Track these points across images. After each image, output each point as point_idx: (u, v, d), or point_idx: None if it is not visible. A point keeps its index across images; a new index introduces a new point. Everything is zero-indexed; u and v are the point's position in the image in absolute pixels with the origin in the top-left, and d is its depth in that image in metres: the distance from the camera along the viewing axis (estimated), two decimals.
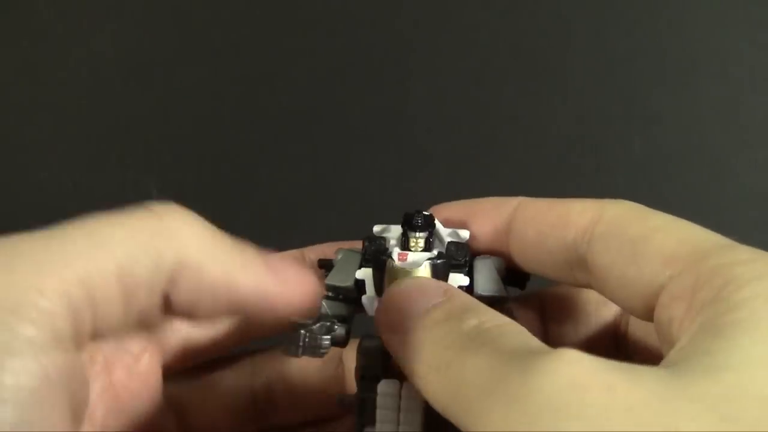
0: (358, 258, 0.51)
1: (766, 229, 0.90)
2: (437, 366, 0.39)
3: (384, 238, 0.51)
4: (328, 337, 0.48)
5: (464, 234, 0.51)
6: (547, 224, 0.50)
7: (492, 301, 0.47)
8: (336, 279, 0.51)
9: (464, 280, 0.49)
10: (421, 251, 0.49)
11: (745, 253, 0.43)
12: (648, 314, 0.44)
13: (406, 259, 0.49)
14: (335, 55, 0.90)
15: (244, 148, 0.92)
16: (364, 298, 0.50)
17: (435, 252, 0.50)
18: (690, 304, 0.41)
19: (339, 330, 0.49)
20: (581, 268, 0.48)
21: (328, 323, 0.49)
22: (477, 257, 0.51)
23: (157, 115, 0.92)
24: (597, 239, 0.47)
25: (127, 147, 0.92)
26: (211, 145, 0.92)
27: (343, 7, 0.91)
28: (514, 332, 0.40)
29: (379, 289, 0.49)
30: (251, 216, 0.90)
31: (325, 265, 0.52)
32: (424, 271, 0.48)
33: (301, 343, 0.47)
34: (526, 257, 0.50)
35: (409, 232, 0.50)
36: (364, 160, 0.88)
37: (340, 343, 0.49)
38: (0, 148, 0.93)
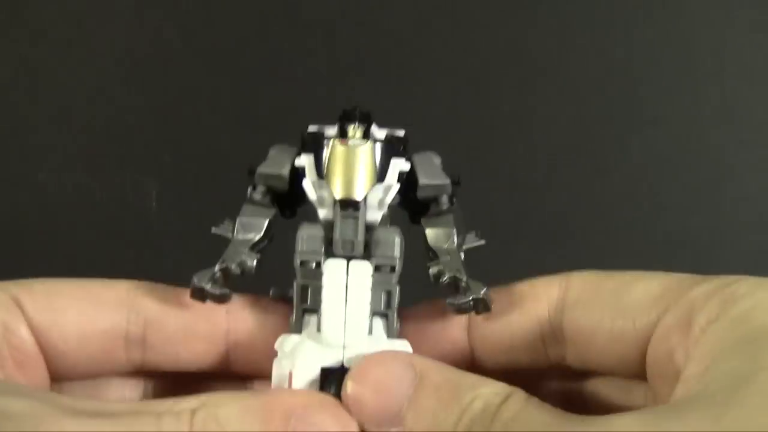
0: (294, 150, 0.50)
1: (767, 229, 0.91)
2: None
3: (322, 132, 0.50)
4: (226, 291, 0.48)
5: (400, 132, 0.50)
6: (511, 310, 0.49)
7: (437, 190, 0.49)
8: (269, 167, 0.50)
9: (405, 166, 0.49)
10: (359, 140, 0.49)
11: (731, 276, 0.43)
12: (642, 364, 0.44)
13: (347, 143, 0.48)
14: (336, 56, 0.90)
15: (244, 149, 0.91)
16: (305, 181, 0.49)
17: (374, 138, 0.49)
18: (689, 331, 0.41)
19: (249, 262, 0.49)
20: (555, 342, 0.47)
21: (237, 261, 0.48)
22: (414, 154, 0.51)
23: (157, 116, 0.92)
24: (572, 305, 0.47)
25: (127, 148, 0.92)
26: (211, 145, 0.92)
27: (343, 8, 0.91)
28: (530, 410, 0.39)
29: (319, 172, 0.48)
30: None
31: (255, 171, 0.51)
32: (367, 149, 0.48)
33: (203, 291, 0.48)
34: (491, 345, 0.49)
35: (347, 124, 0.49)
36: None
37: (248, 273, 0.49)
38: (0, 148, 0.92)
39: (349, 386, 0.43)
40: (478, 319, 0.49)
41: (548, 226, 0.90)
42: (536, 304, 0.48)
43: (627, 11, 0.91)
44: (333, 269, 0.47)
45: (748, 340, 0.38)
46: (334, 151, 0.48)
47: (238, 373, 0.52)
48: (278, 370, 0.47)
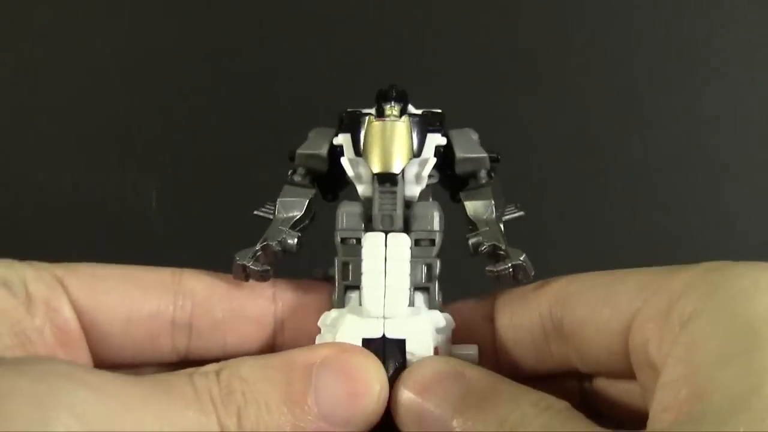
0: (332, 131, 0.51)
1: (766, 229, 0.90)
2: None
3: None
4: (267, 268, 0.48)
5: (437, 111, 0.51)
6: (522, 303, 0.49)
7: (475, 164, 0.50)
8: (308, 147, 0.51)
9: (441, 140, 0.50)
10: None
11: (714, 262, 0.41)
12: (627, 354, 0.44)
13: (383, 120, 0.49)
14: (336, 56, 0.90)
15: (244, 149, 0.92)
16: (343, 159, 0.49)
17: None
18: (666, 321, 0.40)
19: (289, 240, 0.49)
20: (558, 338, 0.47)
21: (278, 239, 0.49)
22: (451, 130, 0.51)
23: (157, 116, 0.92)
24: (570, 297, 0.47)
25: (127, 148, 0.92)
26: (211, 145, 0.92)
27: (343, 8, 0.90)
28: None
29: (357, 149, 0.49)
30: (251, 216, 0.89)
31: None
32: (403, 123, 0.48)
33: (245, 269, 0.48)
34: (507, 345, 0.50)
35: (383, 103, 0.49)
36: None
37: (290, 252, 0.49)
38: (0, 148, 0.92)
39: (405, 395, 0.43)
40: (497, 314, 0.50)
41: (547, 226, 0.90)
42: (543, 298, 0.48)
43: (628, 11, 0.91)
44: (372, 242, 0.47)
45: (739, 337, 0.36)
46: (370, 127, 0.48)
47: None
48: (321, 341, 0.47)
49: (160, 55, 0.92)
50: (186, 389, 0.40)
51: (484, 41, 0.90)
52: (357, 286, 0.48)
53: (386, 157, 0.48)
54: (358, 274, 0.47)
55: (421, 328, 0.46)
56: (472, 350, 0.48)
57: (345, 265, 0.49)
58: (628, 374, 0.44)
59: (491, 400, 0.40)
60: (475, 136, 0.52)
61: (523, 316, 0.49)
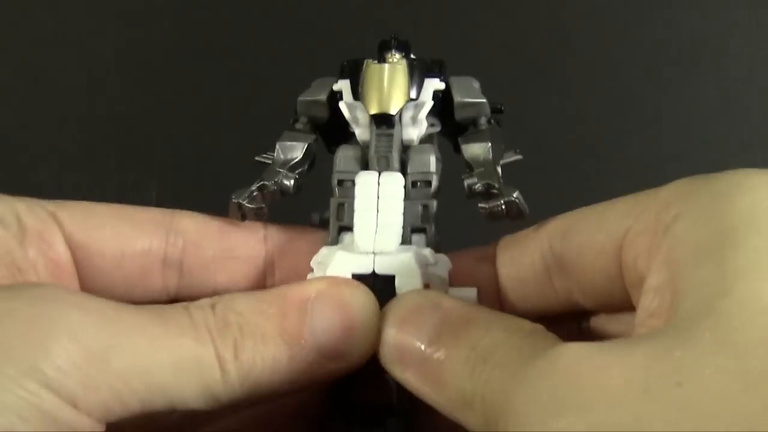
0: (333, 79, 0.51)
1: None
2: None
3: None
4: (262, 206, 0.49)
5: (438, 60, 0.51)
6: (522, 241, 0.49)
7: (474, 110, 0.50)
8: (308, 94, 0.51)
9: (440, 85, 0.50)
10: None
11: (713, 174, 0.41)
12: (622, 277, 0.43)
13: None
14: (336, 56, 0.90)
15: (245, 149, 0.91)
16: (341, 103, 0.50)
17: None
18: (655, 233, 0.39)
19: (286, 181, 0.49)
20: (559, 271, 0.47)
21: (275, 179, 0.49)
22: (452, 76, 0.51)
23: (157, 116, 0.92)
24: (569, 229, 0.47)
25: (127, 148, 0.92)
26: (211, 145, 0.92)
27: (343, 7, 0.91)
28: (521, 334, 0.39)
29: (356, 92, 0.49)
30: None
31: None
32: (400, 65, 0.48)
33: (240, 207, 0.49)
34: (510, 285, 0.49)
35: (385, 53, 0.50)
36: None
37: (287, 192, 0.49)
38: (0, 148, 0.92)
39: (385, 331, 0.43)
40: (499, 256, 0.50)
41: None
42: (541, 235, 0.48)
43: (628, 11, 0.91)
44: (365, 180, 0.48)
45: (716, 235, 0.35)
46: (368, 69, 0.49)
47: None
48: (312, 277, 0.47)
49: (160, 54, 0.92)
50: (183, 319, 0.40)
51: (483, 40, 0.91)
52: (351, 228, 0.48)
53: (382, 98, 0.48)
54: (352, 214, 0.48)
55: (410, 264, 0.46)
56: (471, 293, 0.48)
57: (340, 206, 0.49)
58: (627, 304, 0.44)
59: (465, 327, 0.40)
60: (476, 84, 0.52)
61: (524, 254, 0.48)
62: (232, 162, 0.93)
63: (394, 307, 0.44)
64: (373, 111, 0.48)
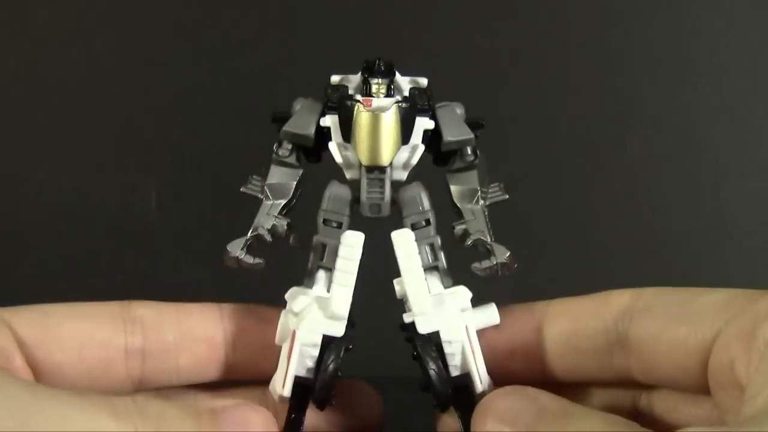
0: (318, 107, 0.51)
1: (766, 229, 0.90)
2: None
3: (345, 86, 0.50)
4: (260, 262, 0.49)
5: (423, 81, 0.51)
6: (583, 312, 0.50)
7: (461, 144, 0.50)
8: (294, 126, 0.51)
9: (430, 124, 0.50)
10: (384, 98, 0.49)
11: None
12: (704, 375, 0.44)
13: (371, 104, 0.49)
14: (335, 55, 0.90)
15: (245, 149, 0.90)
16: (330, 144, 0.50)
17: (398, 97, 0.50)
18: (752, 342, 0.40)
19: (279, 228, 0.50)
20: (621, 350, 0.48)
21: (268, 227, 0.50)
22: (437, 105, 0.51)
23: (157, 116, 0.92)
24: (639, 313, 0.48)
25: (127, 148, 0.92)
26: (210, 144, 0.91)
27: (342, 7, 0.90)
28: None
29: (346, 135, 0.49)
30: (251, 216, 0.88)
31: (279, 118, 0.51)
32: (392, 114, 0.49)
33: (235, 258, 0.49)
34: (561, 351, 0.50)
35: (370, 79, 0.50)
36: None
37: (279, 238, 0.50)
38: (0, 148, 0.92)
39: (488, 425, 0.44)
40: (550, 320, 0.51)
41: (547, 226, 0.90)
42: (606, 310, 0.49)
43: (628, 11, 0.90)
44: (350, 242, 0.49)
45: None
46: (358, 117, 0.49)
47: (238, 378, 0.52)
48: (284, 322, 0.49)
49: (160, 55, 0.92)
50: (105, 403, 0.41)
51: (483, 40, 0.90)
52: (329, 268, 0.49)
53: (375, 150, 0.49)
54: (332, 257, 0.49)
55: (451, 317, 0.49)
56: (491, 310, 0.50)
57: (323, 246, 0.50)
58: (695, 388, 0.45)
59: (564, 419, 0.42)
60: (460, 111, 0.52)
61: (584, 327, 0.49)
62: (233, 162, 0.92)
63: (494, 404, 0.45)
64: (366, 163, 0.49)
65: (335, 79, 0.51)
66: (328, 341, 0.48)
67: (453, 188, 0.51)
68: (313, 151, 0.52)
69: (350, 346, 0.49)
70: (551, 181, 0.90)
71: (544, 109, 0.90)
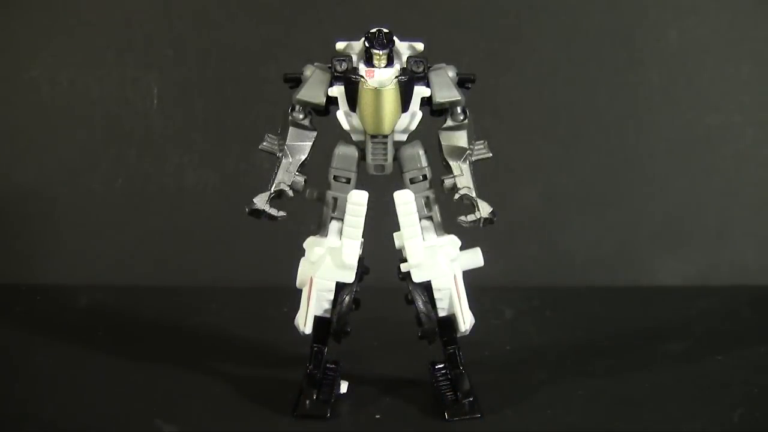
0: (327, 76, 0.59)
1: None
2: None
3: (349, 56, 0.58)
4: (283, 214, 0.57)
5: (419, 46, 0.58)
6: None
7: (451, 105, 0.58)
8: (307, 95, 0.59)
9: (426, 92, 0.58)
10: (384, 67, 0.57)
11: None
12: None
13: (373, 76, 0.57)
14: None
15: (250, 42, 0.88)
16: (338, 113, 0.58)
17: (398, 67, 0.58)
18: None
19: (298, 183, 0.58)
20: None
21: (289, 183, 0.58)
22: (430, 68, 0.59)
23: (157, 6, 0.87)
24: None
25: (126, 42, 0.87)
26: (215, 38, 0.87)
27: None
28: None
29: (352, 105, 0.58)
30: (255, 114, 0.87)
31: (292, 79, 0.59)
32: (392, 90, 0.57)
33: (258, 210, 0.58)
34: None
35: (372, 50, 0.57)
36: None
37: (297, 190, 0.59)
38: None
39: None
40: None
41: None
42: None
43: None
44: (356, 200, 0.58)
45: None
46: (363, 92, 0.57)
47: None
48: (303, 269, 0.59)
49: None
50: None
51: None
52: (340, 219, 0.58)
53: (378, 121, 0.57)
54: (343, 208, 0.58)
55: (442, 268, 0.58)
56: (477, 253, 0.59)
57: (334, 200, 0.58)
58: None
59: None
60: (452, 73, 0.59)
61: None
62: (237, 56, 0.88)
63: None
64: (371, 132, 0.57)
65: (340, 46, 0.58)
66: (341, 285, 0.58)
67: (444, 145, 0.59)
68: (323, 112, 0.60)
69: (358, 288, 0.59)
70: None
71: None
